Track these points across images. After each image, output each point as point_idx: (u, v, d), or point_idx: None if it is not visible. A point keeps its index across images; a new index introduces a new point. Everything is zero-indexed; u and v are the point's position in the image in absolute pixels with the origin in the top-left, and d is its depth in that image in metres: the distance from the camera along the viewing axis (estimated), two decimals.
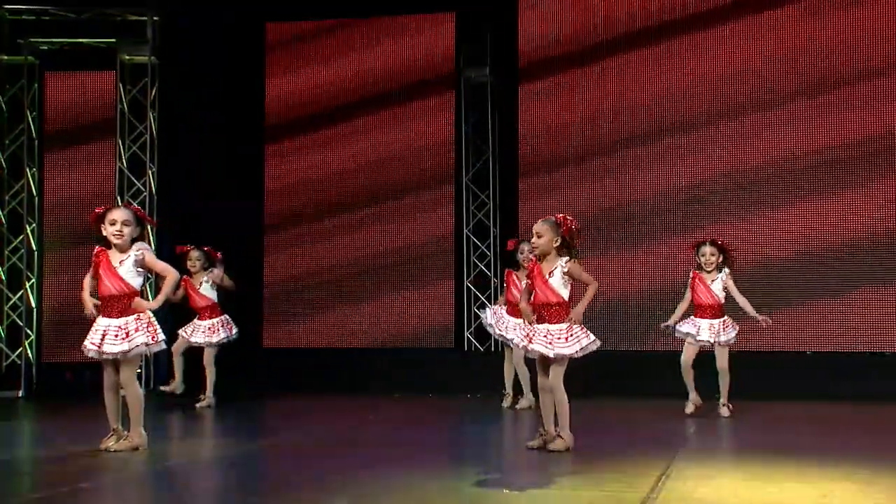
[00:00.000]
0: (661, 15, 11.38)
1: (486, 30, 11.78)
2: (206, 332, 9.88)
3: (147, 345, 6.62)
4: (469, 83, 11.88)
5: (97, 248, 6.70)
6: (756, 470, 6.26)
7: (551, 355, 6.62)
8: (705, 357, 9.05)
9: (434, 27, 12.03)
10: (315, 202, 12.20)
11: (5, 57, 11.60)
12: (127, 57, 11.47)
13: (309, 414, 9.86)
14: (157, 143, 11.53)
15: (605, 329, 10.86)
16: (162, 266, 6.79)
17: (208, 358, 9.89)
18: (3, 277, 11.68)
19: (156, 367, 11.19)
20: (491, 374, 10.15)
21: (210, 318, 9.92)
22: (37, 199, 11.78)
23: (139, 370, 10.63)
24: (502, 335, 9.51)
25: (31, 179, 11.71)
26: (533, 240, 6.76)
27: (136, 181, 11.47)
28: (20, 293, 11.67)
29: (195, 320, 9.97)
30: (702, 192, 11.20)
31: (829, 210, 10.84)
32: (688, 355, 8.99)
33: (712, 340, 8.90)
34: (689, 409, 8.91)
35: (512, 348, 9.42)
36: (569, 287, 6.69)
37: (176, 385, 9.93)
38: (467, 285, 11.87)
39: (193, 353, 9.98)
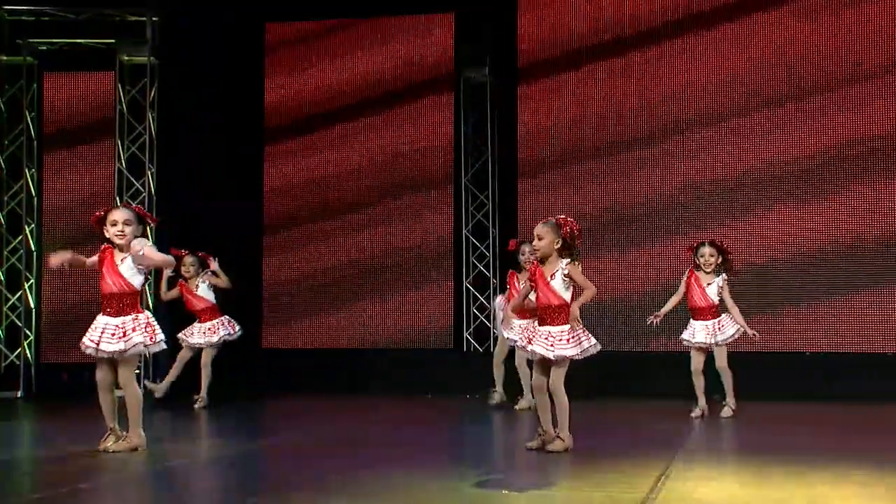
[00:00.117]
0: (660, 16, 11.38)
1: (486, 30, 11.77)
2: (206, 332, 9.90)
3: (145, 345, 6.62)
4: (468, 83, 11.88)
5: (104, 245, 6.74)
6: (755, 470, 6.26)
7: (552, 357, 6.62)
8: (705, 358, 9.05)
9: (433, 27, 12.04)
10: (314, 203, 12.20)
11: (4, 57, 11.60)
12: (126, 57, 11.46)
13: (308, 414, 9.86)
14: (156, 143, 11.52)
15: (604, 330, 10.86)
16: (159, 257, 6.75)
17: (205, 359, 9.90)
18: (2, 278, 11.68)
19: (154, 367, 11.17)
20: (490, 375, 10.15)
21: (210, 319, 9.93)
22: (36, 199, 11.77)
23: (137, 370, 10.68)
24: (508, 336, 9.47)
25: (30, 180, 11.71)
26: (534, 242, 6.75)
27: (135, 182, 11.47)
28: (19, 294, 11.66)
29: (195, 323, 9.97)
30: (701, 193, 11.20)
31: (828, 211, 10.84)
32: (696, 363, 8.97)
33: (708, 342, 8.90)
34: (696, 413, 8.88)
35: (512, 348, 9.42)
36: (570, 289, 6.69)
37: (160, 387, 9.88)
38: (466, 286, 11.87)
39: (193, 355, 9.98)
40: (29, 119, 11.68)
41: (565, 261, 6.66)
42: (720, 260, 8.95)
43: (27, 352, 11.59)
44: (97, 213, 6.76)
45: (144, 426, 6.79)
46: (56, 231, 11.88)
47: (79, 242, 11.79)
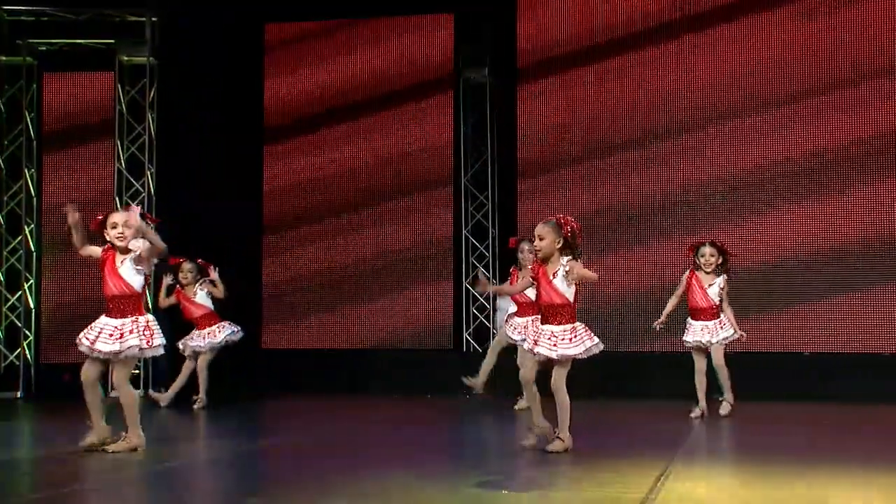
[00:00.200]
0: (659, 16, 11.39)
1: (486, 30, 11.77)
2: (206, 336, 9.90)
3: (141, 348, 6.61)
4: (468, 84, 11.88)
5: (106, 246, 6.74)
6: (754, 470, 6.26)
7: (555, 356, 6.62)
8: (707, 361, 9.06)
9: (433, 28, 12.04)
10: (314, 203, 12.20)
11: (4, 58, 11.60)
12: (125, 58, 11.46)
13: (308, 414, 9.86)
14: (155, 143, 11.52)
15: (604, 330, 10.83)
16: (154, 238, 6.73)
17: (202, 363, 9.90)
18: (2, 278, 11.68)
19: (154, 369, 11.15)
20: (490, 375, 10.14)
21: (209, 325, 9.94)
22: (35, 200, 11.77)
23: (136, 370, 10.69)
24: (509, 337, 9.46)
25: (29, 180, 11.71)
26: (535, 242, 6.76)
27: (134, 182, 11.47)
28: (19, 294, 11.66)
29: (194, 330, 9.98)
30: (700, 194, 11.20)
31: (828, 211, 10.85)
32: (700, 364, 8.98)
33: (705, 340, 8.90)
34: (696, 413, 8.87)
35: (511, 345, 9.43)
36: (573, 287, 6.68)
37: (166, 397, 9.91)
38: (466, 286, 11.87)
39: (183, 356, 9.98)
40: (28, 119, 11.68)
41: (566, 258, 6.65)
42: (721, 260, 8.95)
43: (27, 352, 11.59)
44: (98, 216, 6.79)
45: (144, 427, 6.78)
46: (56, 231, 11.87)
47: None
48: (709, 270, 8.94)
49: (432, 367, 11.44)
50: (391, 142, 12.06)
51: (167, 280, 9.81)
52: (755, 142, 11.09)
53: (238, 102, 12.25)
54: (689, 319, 9.04)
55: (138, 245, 6.64)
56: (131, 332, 6.60)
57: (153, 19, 11.40)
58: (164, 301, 9.93)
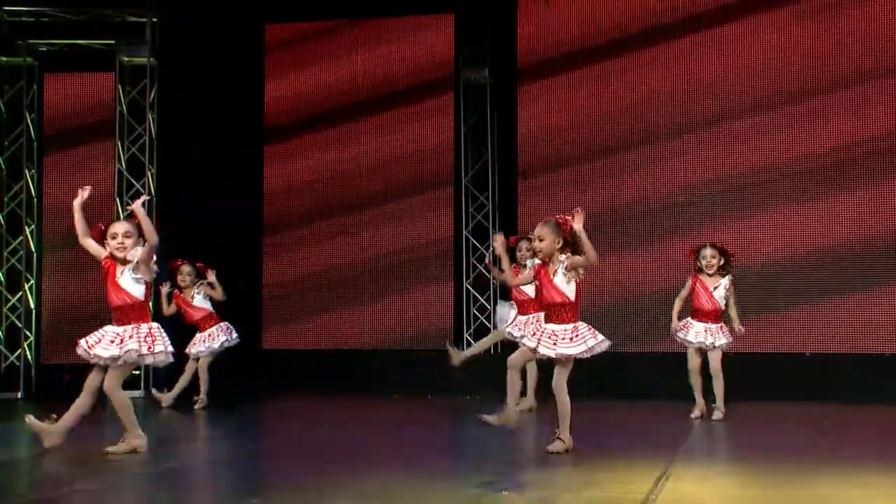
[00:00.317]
0: (660, 16, 11.39)
1: (486, 31, 11.77)
2: (206, 339, 9.93)
3: (140, 354, 6.60)
4: (468, 84, 11.88)
5: (107, 255, 6.73)
6: (755, 471, 6.26)
7: (554, 356, 6.62)
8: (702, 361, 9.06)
9: (433, 28, 12.04)
10: (314, 203, 12.20)
11: (4, 58, 11.60)
12: (126, 58, 11.47)
13: (308, 415, 9.86)
14: (156, 144, 11.52)
15: (604, 330, 10.79)
16: (148, 235, 6.71)
17: (202, 364, 9.91)
18: (3, 279, 11.68)
19: (155, 374, 11.14)
20: (490, 376, 10.13)
21: (209, 327, 9.95)
22: (36, 200, 11.78)
23: (137, 371, 10.68)
24: (512, 335, 9.46)
25: (30, 181, 11.71)
26: (535, 243, 6.76)
27: (135, 182, 11.47)
28: (19, 295, 11.66)
29: (196, 334, 9.99)
30: (701, 194, 11.20)
31: (829, 212, 10.85)
32: (694, 362, 8.98)
33: (708, 343, 8.89)
34: (695, 413, 8.88)
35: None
36: (573, 285, 6.66)
37: (168, 398, 9.93)
38: (466, 287, 11.87)
39: (187, 357, 9.98)
40: (29, 120, 11.69)
41: (565, 256, 6.64)
42: (722, 262, 8.94)
43: (27, 353, 11.60)
44: (99, 226, 6.80)
45: (144, 428, 6.78)
46: (56, 232, 11.88)
47: (78, 243, 11.83)
48: (711, 273, 8.92)
49: (432, 368, 11.40)
50: (391, 142, 12.06)
51: (165, 289, 9.82)
52: (756, 142, 11.09)
53: (238, 103, 12.25)
54: (691, 319, 9.03)
55: (135, 254, 6.64)
56: (131, 337, 6.60)
57: (153, 20, 11.41)
58: (167, 310, 9.93)
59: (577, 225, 6.51)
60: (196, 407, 9.80)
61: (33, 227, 11.72)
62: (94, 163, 11.89)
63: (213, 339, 9.94)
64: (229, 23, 11.98)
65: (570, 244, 6.64)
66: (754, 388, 9.87)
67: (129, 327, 6.63)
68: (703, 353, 8.96)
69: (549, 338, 6.64)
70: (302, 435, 8.24)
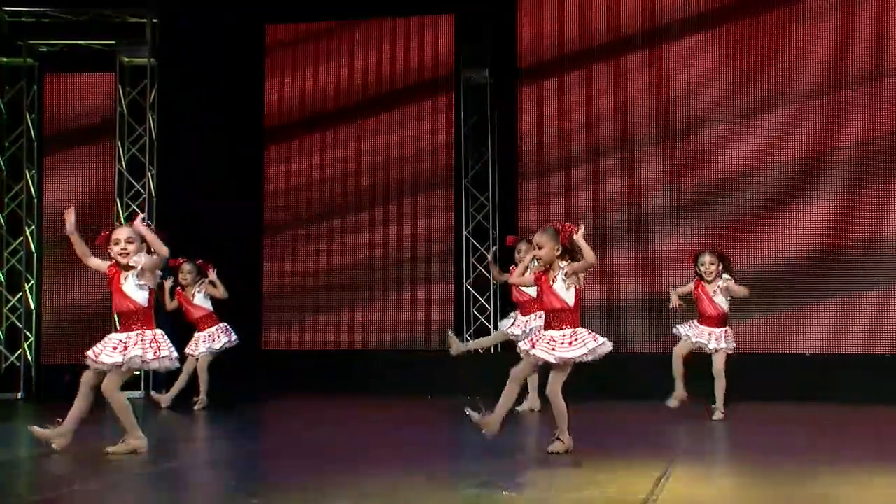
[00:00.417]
0: (660, 17, 11.39)
1: (486, 31, 11.77)
2: (206, 340, 9.93)
3: (144, 360, 6.60)
4: (468, 84, 11.87)
5: (113, 262, 6.75)
6: (755, 472, 6.26)
7: (552, 360, 6.61)
8: (704, 361, 9.04)
9: (433, 28, 12.04)
10: (314, 204, 12.20)
11: (4, 59, 11.60)
12: (126, 59, 11.46)
13: (308, 415, 9.86)
14: (156, 144, 11.52)
15: (605, 331, 10.77)
16: (156, 246, 6.73)
17: (202, 364, 9.92)
18: (3, 279, 11.68)
19: (154, 373, 11.13)
20: (490, 375, 10.12)
21: (209, 327, 9.95)
22: (36, 201, 11.77)
23: (137, 372, 10.66)
24: (513, 334, 9.45)
25: (30, 181, 11.71)
26: (535, 252, 6.76)
27: (135, 183, 11.47)
28: (19, 295, 11.66)
29: (195, 334, 9.99)
30: (701, 195, 11.20)
31: (829, 212, 10.85)
32: (681, 347, 8.98)
33: (711, 347, 8.89)
34: (673, 403, 8.86)
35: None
36: (572, 291, 6.66)
37: (167, 398, 9.93)
38: (466, 287, 11.87)
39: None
40: (29, 120, 11.68)
41: (565, 263, 6.64)
42: (721, 267, 8.94)
43: (27, 353, 11.59)
44: (103, 234, 6.84)
45: (144, 429, 6.78)
46: (56, 232, 11.88)
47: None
48: (710, 279, 8.93)
49: (433, 368, 11.42)
50: (391, 142, 12.06)
51: (167, 283, 9.82)
52: (757, 142, 11.09)
53: (238, 103, 12.25)
54: (696, 322, 9.05)
55: (139, 260, 6.65)
56: (135, 343, 6.61)
57: (154, 20, 11.41)
58: (170, 305, 9.94)
59: (577, 235, 6.52)
60: (196, 408, 9.80)
61: (33, 227, 11.72)
62: (95, 163, 11.89)
63: (213, 339, 9.94)
64: (229, 23, 11.98)
65: (569, 251, 6.64)
66: (754, 388, 9.86)
67: (132, 334, 6.64)
68: (694, 349, 8.97)
69: (548, 343, 6.64)
70: (302, 435, 8.24)
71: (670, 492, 5.38)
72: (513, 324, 9.28)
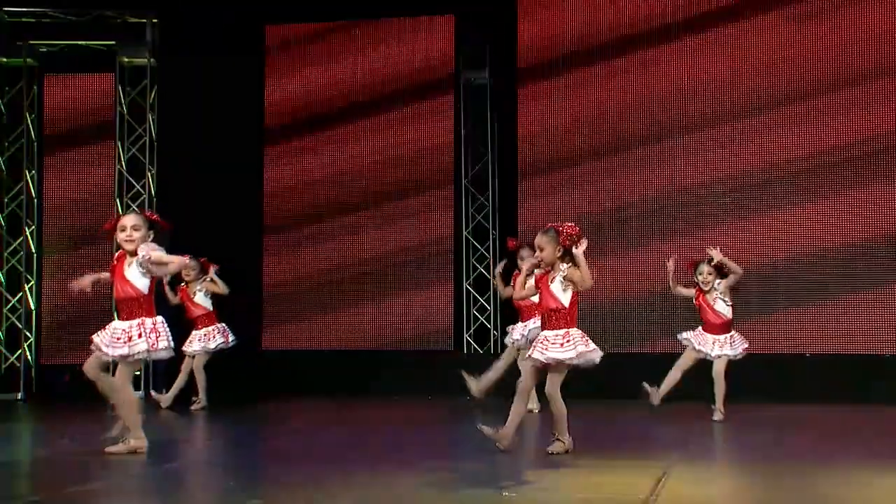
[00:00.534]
0: (660, 17, 11.39)
1: (486, 32, 11.78)
2: (202, 339, 9.93)
3: (148, 351, 6.62)
4: (468, 85, 11.88)
5: (119, 251, 6.77)
6: (755, 472, 6.26)
7: (542, 360, 6.60)
8: (705, 362, 9.06)
9: (433, 29, 12.04)
10: (314, 204, 12.20)
11: (5, 59, 11.60)
12: (126, 59, 11.47)
13: (308, 416, 9.86)
14: (156, 145, 11.52)
15: (605, 331, 10.87)
16: (171, 258, 6.78)
17: (198, 363, 9.92)
18: (3, 280, 11.68)
19: (154, 374, 11.14)
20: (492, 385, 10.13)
21: (206, 326, 9.97)
22: (36, 201, 11.77)
23: (138, 373, 10.67)
24: (514, 340, 9.44)
25: (30, 182, 11.71)
26: (537, 254, 6.77)
27: (135, 183, 11.47)
28: (19, 296, 11.66)
29: (193, 331, 9.99)
30: (701, 195, 11.20)
31: (829, 212, 10.85)
32: (684, 361, 9.02)
33: (715, 353, 8.92)
34: (651, 389, 8.91)
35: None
36: (569, 292, 6.66)
37: (167, 398, 9.93)
38: (466, 287, 11.87)
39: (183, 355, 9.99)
40: (29, 121, 11.68)
41: (566, 265, 6.64)
42: (718, 279, 9.00)
43: (27, 353, 11.59)
44: (111, 220, 6.86)
45: (144, 429, 6.77)
46: (56, 233, 11.89)
47: (79, 244, 11.86)
48: (706, 289, 9.00)
49: (433, 369, 11.43)
50: (392, 143, 12.06)
51: (166, 279, 9.82)
52: (757, 143, 11.09)
53: (239, 104, 12.23)
54: (702, 329, 9.08)
55: (145, 249, 6.65)
56: (139, 335, 6.60)
57: (154, 21, 11.41)
58: (173, 299, 9.95)
59: (578, 250, 6.53)
60: (193, 408, 9.80)
61: (33, 227, 11.72)
62: (95, 164, 11.90)
63: (208, 338, 9.95)
64: (229, 23, 11.97)
65: (570, 252, 6.63)
66: (754, 388, 9.87)
67: (133, 323, 6.62)
68: (699, 360, 9.02)
69: (542, 343, 6.64)
70: (302, 435, 8.24)
71: (670, 492, 5.38)
72: (515, 331, 9.31)
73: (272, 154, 12.34)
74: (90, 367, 6.72)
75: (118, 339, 6.61)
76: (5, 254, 11.68)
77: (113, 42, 11.47)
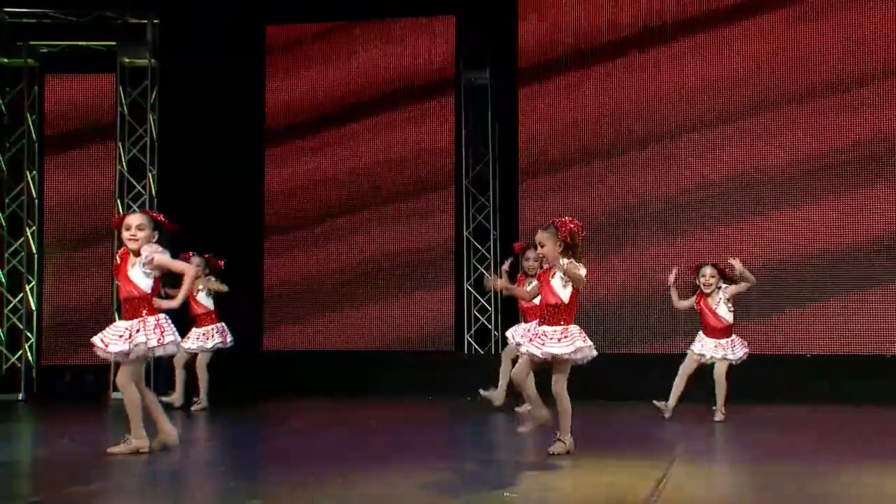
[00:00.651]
0: (661, 17, 11.39)
1: (486, 32, 11.78)
2: (200, 337, 9.93)
3: (148, 346, 6.61)
4: (469, 85, 11.89)
5: (122, 249, 6.78)
6: (755, 472, 6.26)
7: (539, 355, 6.60)
8: (707, 365, 9.07)
9: (434, 30, 12.04)
10: (315, 205, 12.21)
11: (5, 60, 11.60)
12: (127, 59, 11.47)
13: (309, 416, 9.87)
14: (157, 145, 11.52)
15: (606, 332, 10.88)
16: (177, 265, 6.83)
17: (200, 363, 9.92)
18: (3, 280, 11.68)
19: (156, 374, 11.13)
20: (491, 377, 10.14)
21: (206, 324, 9.97)
22: (37, 201, 11.78)
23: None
24: (511, 338, 9.46)
25: (31, 182, 11.71)
26: (538, 250, 6.78)
27: (136, 184, 11.47)
28: (20, 296, 11.66)
29: (192, 329, 9.99)
30: (702, 195, 11.20)
31: (830, 213, 10.85)
32: (687, 366, 9.03)
33: (718, 356, 8.93)
34: (660, 405, 8.93)
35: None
36: (569, 289, 6.66)
37: (176, 397, 9.91)
38: (467, 288, 11.87)
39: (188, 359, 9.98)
40: (30, 121, 11.68)
41: (566, 260, 6.64)
42: (721, 282, 8.99)
43: (28, 354, 11.59)
44: (118, 217, 6.93)
45: (147, 430, 6.78)
46: (57, 233, 11.89)
47: (80, 244, 11.86)
48: (708, 292, 9.00)
49: (434, 369, 11.44)
50: (392, 143, 12.07)
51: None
52: (758, 143, 11.09)
53: (239, 104, 12.24)
54: (702, 334, 9.08)
55: (149, 251, 6.66)
56: (138, 331, 6.61)
57: (154, 21, 11.40)
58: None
59: (562, 269, 6.55)
60: (194, 409, 9.79)
61: (34, 228, 11.72)
62: (95, 164, 11.90)
63: (207, 338, 9.95)
64: (230, 24, 11.97)
65: (570, 247, 6.64)
66: (755, 389, 9.87)
67: (136, 321, 6.64)
68: (702, 365, 9.03)
69: (539, 338, 6.64)
70: (302, 436, 8.24)
71: (671, 493, 5.38)
72: (517, 330, 9.32)
73: (273, 155, 12.34)
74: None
75: (120, 336, 6.62)
76: (6, 254, 11.68)
77: (114, 42, 11.47)
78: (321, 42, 12.33)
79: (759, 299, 10.65)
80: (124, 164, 11.49)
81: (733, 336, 9.06)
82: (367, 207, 12.08)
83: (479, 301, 11.83)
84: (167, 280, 9.88)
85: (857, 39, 10.89)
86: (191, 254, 9.86)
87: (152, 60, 11.42)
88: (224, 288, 10.00)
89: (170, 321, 6.76)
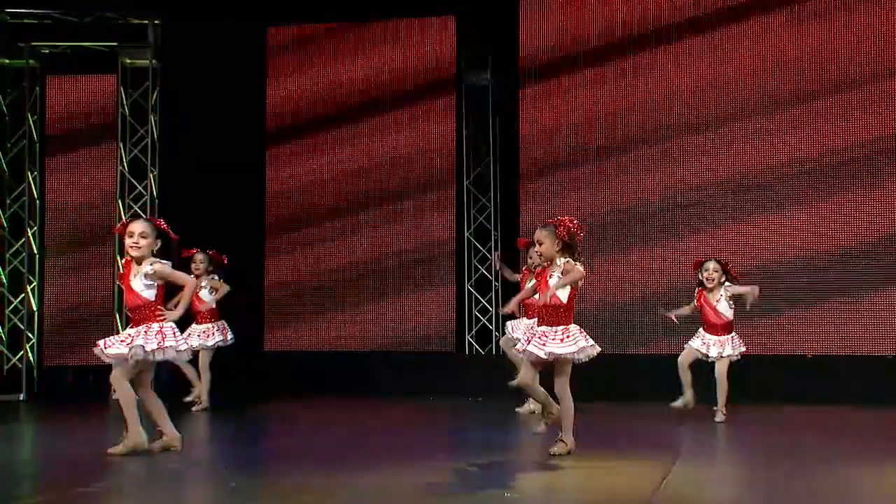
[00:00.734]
0: (661, 18, 11.39)
1: (487, 33, 11.78)
2: (200, 335, 9.94)
3: (146, 349, 6.59)
4: (470, 86, 11.88)
5: (126, 258, 6.79)
6: (756, 473, 6.26)
7: (542, 355, 6.60)
8: (706, 364, 9.06)
9: (435, 30, 12.04)
10: (316, 205, 12.21)
11: (7, 60, 11.60)
12: (128, 60, 11.47)
13: (310, 417, 9.87)
14: (158, 146, 11.52)
15: (607, 332, 10.87)
16: (178, 276, 6.84)
17: (203, 362, 9.92)
18: (5, 281, 11.69)
19: (156, 374, 11.10)
20: (492, 377, 10.15)
21: (206, 322, 9.98)
22: (38, 202, 11.78)
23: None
24: (515, 337, 9.46)
25: (32, 183, 11.71)
26: (536, 248, 6.79)
27: (137, 184, 11.47)
28: (21, 297, 11.66)
29: (192, 325, 10.00)
30: (703, 196, 11.19)
31: (830, 213, 10.84)
32: (685, 356, 9.02)
33: (716, 353, 8.92)
34: (678, 403, 8.91)
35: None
36: (567, 289, 6.67)
37: (197, 392, 9.92)
38: (468, 288, 11.87)
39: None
40: (31, 122, 11.68)
41: (564, 259, 6.65)
42: (723, 278, 8.98)
43: (29, 355, 11.59)
44: (123, 223, 6.90)
45: (145, 430, 6.78)
46: (58, 234, 11.90)
47: (81, 245, 11.86)
48: (710, 286, 8.98)
49: (435, 370, 11.44)
50: (393, 144, 12.07)
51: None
52: (758, 144, 11.08)
53: (241, 105, 12.24)
54: (702, 330, 9.08)
55: (156, 260, 6.66)
56: (138, 335, 6.62)
57: (156, 22, 11.41)
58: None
59: (549, 287, 6.59)
60: (194, 409, 9.78)
61: (35, 228, 11.72)
62: (97, 165, 11.90)
63: (207, 335, 9.95)
64: (231, 24, 11.98)
65: (568, 246, 6.65)
66: (755, 389, 9.87)
67: (140, 328, 6.65)
68: (700, 357, 9.02)
69: (540, 338, 6.64)
70: (303, 436, 8.25)
71: (672, 493, 5.38)
72: (518, 326, 9.31)
73: (274, 155, 12.34)
74: (134, 384, 6.74)
75: (122, 340, 6.65)
76: (7, 255, 11.68)
77: (115, 43, 11.47)
78: (323, 43, 12.33)
79: (760, 300, 10.63)
80: (125, 164, 11.49)
81: (734, 333, 9.04)
82: (367, 208, 12.08)
83: (480, 301, 11.83)
84: (166, 293, 9.91)
85: (859, 40, 10.88)
86: (195, 250, 9.89)
87: (153, 61, 11.42)
88: (225, 288, 10.00)
89: (175, 328, 6.76)
